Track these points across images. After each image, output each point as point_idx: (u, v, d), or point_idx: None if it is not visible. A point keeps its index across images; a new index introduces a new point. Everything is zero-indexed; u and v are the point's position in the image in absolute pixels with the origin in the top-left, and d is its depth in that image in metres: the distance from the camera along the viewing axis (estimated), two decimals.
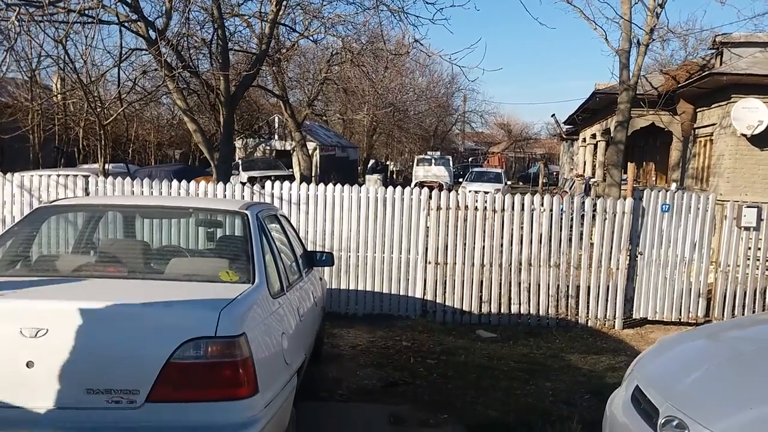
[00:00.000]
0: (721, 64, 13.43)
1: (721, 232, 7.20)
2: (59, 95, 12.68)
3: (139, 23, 7.53)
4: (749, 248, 7.12)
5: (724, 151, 12.00)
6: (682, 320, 7.26)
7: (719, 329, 3.09)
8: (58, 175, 7.37)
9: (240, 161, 24.98)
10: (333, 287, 7.05)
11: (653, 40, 12.33)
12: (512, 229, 7.14)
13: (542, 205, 7.15)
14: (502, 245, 7.14)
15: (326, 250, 6.27)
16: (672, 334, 3.24)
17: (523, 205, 7.13)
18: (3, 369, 2.48)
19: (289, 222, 4.69)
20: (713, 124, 12.81)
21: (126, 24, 7.40)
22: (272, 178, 25.48)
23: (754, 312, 7.12)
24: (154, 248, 3.98)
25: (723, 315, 7.15)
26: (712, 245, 7.31)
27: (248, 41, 13.47)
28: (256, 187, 7.16)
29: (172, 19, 7.97)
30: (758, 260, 7.13)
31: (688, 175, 14.58)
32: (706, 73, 12.23)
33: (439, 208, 7.13)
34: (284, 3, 9.57)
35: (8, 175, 7.20)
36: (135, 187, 7.03)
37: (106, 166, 8.45)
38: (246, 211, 3.41)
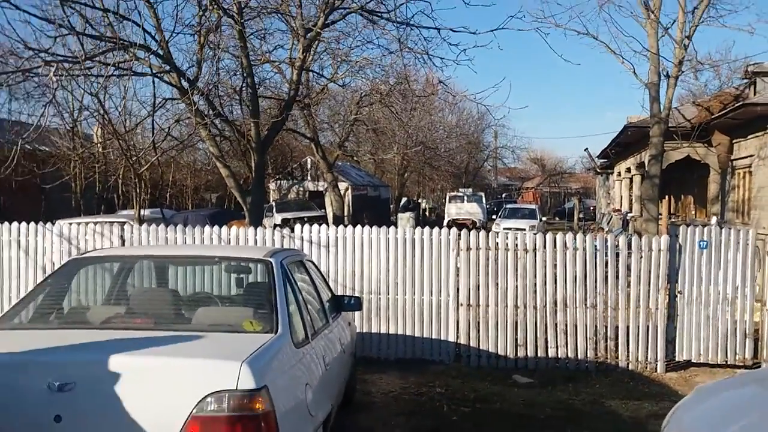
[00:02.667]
0: (755, 94, 13.17)
1: (765, 268, 6.90)
2: (99, 144, 13.16)
3: (171, 74, 7.79)
4: None
5: (765, 183, 11.64)
6: (728, 362, 6.93)
7: (760, 377, 2.90)
8: (95, 223, 7.56)
9: (273, 203, 25.37)
10: (364, 331, 6.96)
11: (682, 72, 12.22)
12: (545, 268, 6.99)
13: (575, 243, 7.00)
14: (536, 285, 6.98)
15: (354, 294, 6.23)
16: (709, 383, 3.07)
17: (555, 243, 6.99)
18: (32, 423, 2.50)
19: (316, 267, 4.68)
20: (751, 156, 12.49)
21: (159, 75, 7.66)
22: (305, 219, 25.78)
23: None
24: (182, 297, 4.00)
25: None
26: (757, 281, 7.01)
27: (279, 87, 13.83)
28: (286, 230, 7.20)
29: (202, 68, 8.23)
30: None
31: (729, 208, 14.18)
32: (740, 104, 12.00)
33: (468, 248, 7.04)
34: (312, 50, 9.81)
35: (48, 224, 7.43)
36: (169, 234, 7.15)
37: (143, 213, 8.64)
38: (270, 259, 3.41)
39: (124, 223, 7.69)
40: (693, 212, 18.65)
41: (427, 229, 7.12)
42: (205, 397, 2.32)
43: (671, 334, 6.98)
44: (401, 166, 32.31)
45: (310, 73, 12.45)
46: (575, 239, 7.03)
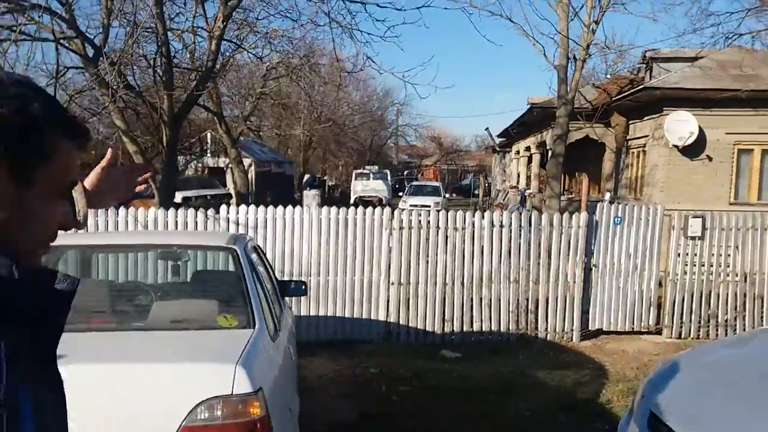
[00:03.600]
0: (650, 79, 14.14)
1: (669, 242, 7.49)
2: None
3: (76, 40, 7.08)
4: (695, 254, 7.44)
5: (658, 162, 12.60)
6: (635, 329, 7.49)
7: (723, 346, 3.14)
8: None
9: None
10: (294, 314, 6.82)
11: (589, 55, 12.85)
12: (473, 246, 7.17)
13: (502, 221, 7.22)
14: (464, 262, 7.15)
15: (296, 280, 6.03)
16: (675, 355, 3.27)
17: (483, 222, 7.17)
18: None
19: (262, 251, 4.48)
20: (646, 136, 13.45)
21: (62, 41, 6.93)
22: (208, 197, 24.60)
23: (700, 317, 7.43)
24: (139, 290, 3.59)
25: (672, 322, 7.43)
26: (662, 254, 7.60)
27: (186, 58, 13.02)
28: (210, 212, 6.83)
29: (109, 35, 7.55)
30: (703, 266, 7.45)
31: (622, 185, 15.23)
32: (642, 86, 12.82)
33: (401, 227, 7.06)
34: (229, 20, 9.30)
35: None
36: None
37: None
38: (234, 246, 3.17)
39: None
40: (587, 189, 19.88)
41: (360, 209, 7.04)
42: (198, 404, 2.09)
43: (585, 305, 7.43)
44: (306, 142, 31.83)
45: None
46: (502, 217, 7.26)
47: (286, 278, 6.69)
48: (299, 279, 6.34)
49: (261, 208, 6.91)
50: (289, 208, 6.90)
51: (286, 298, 4.85)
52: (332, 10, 8.10)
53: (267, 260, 4.34)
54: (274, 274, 4.51)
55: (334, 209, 6.99)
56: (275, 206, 6.97)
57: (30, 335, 0.83)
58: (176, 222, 6.73)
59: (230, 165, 23.79)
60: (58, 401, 0.91)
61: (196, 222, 6.78)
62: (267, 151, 32.49)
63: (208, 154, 29.18)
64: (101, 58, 6.82)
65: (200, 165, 29.50)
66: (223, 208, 6.84)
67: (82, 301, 3.11)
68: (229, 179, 25.45)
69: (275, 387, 2.45)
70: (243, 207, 6.89)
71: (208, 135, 28.23)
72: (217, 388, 2.12)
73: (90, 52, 7.35)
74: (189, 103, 8.75)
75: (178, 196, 22.56)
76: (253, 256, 3.42)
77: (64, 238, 3.73)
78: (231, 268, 3.09)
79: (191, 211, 6.86)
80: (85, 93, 8.65)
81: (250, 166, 27.66)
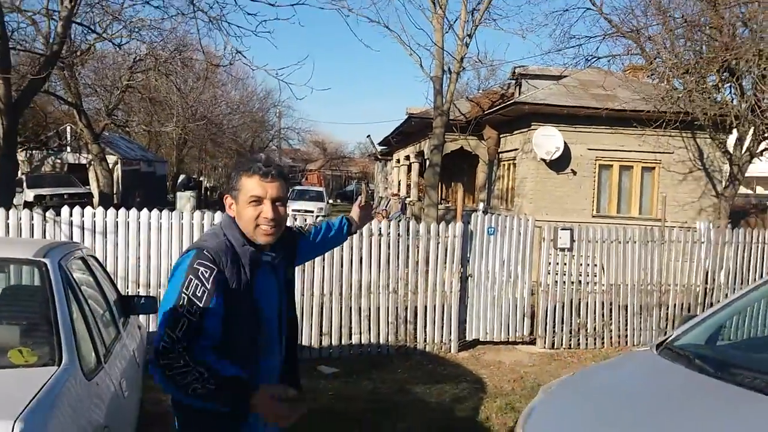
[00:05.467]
0: (520, 94, 14.72)
1: (540, 253, 7.62)
2: None
3: None
4: (565, 264, 7.63)
5: (527, 174, 13.08)
6: (510, 340, 7.53)
7: (588, 378, 3.00)
8: None
9: (24, 177, 21.58)
10: (151, 330, 6.06)
11: (463, 68, 13.09)
12: (351, 254, 6.83)
13: (380, 229, 6.95)
14: (342, 272, 6.78)
15: (146, 295, 5.32)
16: (552, 384, 3.09)
17: (362, 230, 6.85)
18: None
19: (99, 262, 3.79)
20: (516, 149, 13.94)
21: None
22: (65, 196, 22.47)
23: (571, 326, 7.62)
24: None
25: (545, 332, 7.55)
26: (533, 265, 7.72)
27: (33, 40, 11.61)
28: (50, 213, 5.91)
29: None
30: (572, 276, 7.66)
31: (494, 195, 15.72)
32: (512, 101, 13.27)
33: None
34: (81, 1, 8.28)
35: None
36: None
37: None
38: (44, 260, 2.52)
39: None
40: (462, 199, 20.42)
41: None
42: None
43: (462, 315, 7.36)
44: (180, 140, 30.08)
45: (76, 29, 10.62)
46: (380, 225, 6.99)
47: (142, 293, 5.95)
48: (152, 290, 5.63)
49: (111, 210, 6.09)
50: (145, 211, 6.14)
51: (135, 317, 4.18)
52: (199, 1, 7.41)
53: (104, 272, 3.67)
54: (115, 288, 3.85)
55: (198, 214, 6.33)
56: (142, 208, 6.19)
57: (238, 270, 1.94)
58: (7, 225, 5.75)
59: (92, 162, 21.81)
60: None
61: (32, 225, 5.84)
62: (136, 148, 30.29)
63: (68, 150, 26.61)
64: None
65: (59, 161, 26.85)
66: (64, 210, 5.94)
67: None
68: (91, 177, 23.34)
69: None
70: (89, 209, 6.03)
71: (68, 129, 25.74)
72: None
73: None
74: (31, 90, 7.65)
75: (30, 195, 20.34)
76: (77, 271, 2.78)
77: None
78: (40, 287, 2.44)
79: (26, 212, 5.89)
80: None
81: (116, 164, 25.64)
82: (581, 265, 7.63)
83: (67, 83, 17.08)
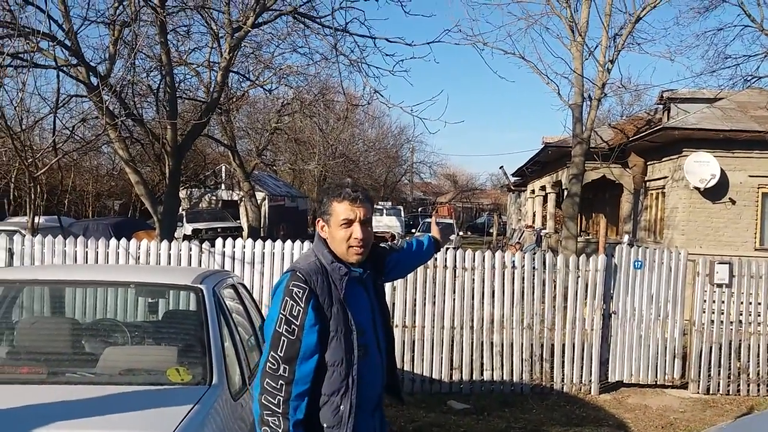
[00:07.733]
0: (668, 119, 13.79)
1: (694, 289, 6.99)
2: None
3: (79, 68, 6.91)
4: (723, 301, 6.93)
5: (678, 204, 12.13)
6: (658, 383, 6.94)
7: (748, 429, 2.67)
8: None
9: (184, 212, 24.00)
10: None
11: (605, 95, 12.56)
12: (483, 287, 6.73)
13: (514, 261, 6.79)
14: (473, 305, 6.70)
15: None
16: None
17: (494, 261, 6.75)
18: None
19: (247, 290, 4.10)
20: (665, 177, 13.01)
21: (64, 68, 6.77)
22: (219, 229, 24.48)
23: (730, 370, 6.87)
24: (82, 331, 3.21)
25: (699, 376, 6.87)
26: (686, 302, 7.09)
27: (196, 90, 13.00)
28: (205, 245, 6.50)
29: (115, 64, 7.40)
30: (730, 315, 6.92)
31: (641, 227, 14.72)
32: (660, 127, 12.47)
33: None
34: (237, 52, 9.16)
35: None
36: (67, 247, 6.26)
37: (36, 220, 7.59)
38: (201, 286, 2.79)
39: (14, 232, 6.70)
40: (605, 230, 19.35)
41: None
42: None
43: (605, 354, 6.91)
44: (321, 177, 31.77)
45: (231, 77, 11.74)
46: (514, 258, 6.83)
47: None
48: None
49: (259, 242, 6.57)
50: (288, 243, 6.55)
51: None
52: (341, 46, 7.88)
53: (251, 300, 3.95)
54: (260, 314, 4.12)
55: None
56: (285, 240, 6.62)
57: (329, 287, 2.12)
58: (169, 255, 6.41)
59: (243, 198, 23.70)
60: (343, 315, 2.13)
61: (190, 255, 6.46)
62: (281, 185, 32.48)
63: (222, 187, 29.21)
64: (103, 87, 6.62)
65: (214, 197, 29.53)
66: (218, 242, 6.51)
67: (23, 343, 2.74)
68: (242, 212, 25.35)
69: None
70: (240, 241, 6.55)
71: (223, 168, 28.31)
72: None
73: (95, 81, 7.19)
74: (193, 134, 8.54)
75: (189, 228, 22.52)
76: (228, 298, 3.03)
77: (25, 270, 3.30)
78: (195, 311, 2.69)
79: (185, 243, 6.54)
80: (90, 122, 8.48)
81: (263, 200, 27.59)
82: (742, 303, 6.87)
83: (223, 127, 18.87)
